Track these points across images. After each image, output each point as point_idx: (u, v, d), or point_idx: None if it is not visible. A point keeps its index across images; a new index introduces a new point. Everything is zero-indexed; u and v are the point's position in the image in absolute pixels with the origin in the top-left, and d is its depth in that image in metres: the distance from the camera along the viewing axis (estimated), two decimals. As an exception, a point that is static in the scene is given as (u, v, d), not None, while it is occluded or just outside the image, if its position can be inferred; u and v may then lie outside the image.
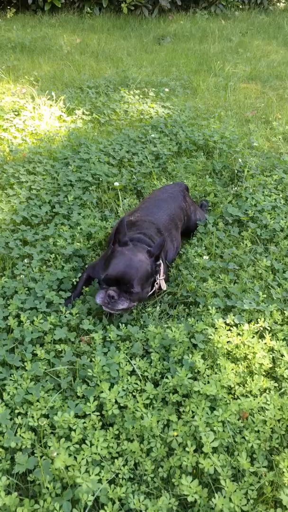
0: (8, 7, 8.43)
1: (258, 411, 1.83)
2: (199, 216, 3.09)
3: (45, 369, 1.94)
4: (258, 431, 1.76)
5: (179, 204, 2.91)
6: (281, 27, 9.11)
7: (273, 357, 2.10)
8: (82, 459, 1.58)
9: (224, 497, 1.53)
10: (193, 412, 1.77)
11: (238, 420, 1.77)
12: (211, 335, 2.06)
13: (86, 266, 2.64)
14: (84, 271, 2.55)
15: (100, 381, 1.85)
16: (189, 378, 1.85)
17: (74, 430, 1.67)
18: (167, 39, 7.91)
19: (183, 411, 1.79)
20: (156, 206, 2.82)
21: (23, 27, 7.72)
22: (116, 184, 3.38)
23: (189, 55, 7.14)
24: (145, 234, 2.49)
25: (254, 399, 1.83)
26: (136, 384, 1.88)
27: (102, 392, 1.79)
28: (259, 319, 2.23)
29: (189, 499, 1.52)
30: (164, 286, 2.43)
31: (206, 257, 2.72)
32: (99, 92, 5.20)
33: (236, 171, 3.71)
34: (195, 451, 1.69)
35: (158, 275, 2.37)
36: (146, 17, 8.80)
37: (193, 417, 1.75)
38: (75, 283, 2.50)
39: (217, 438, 1.68)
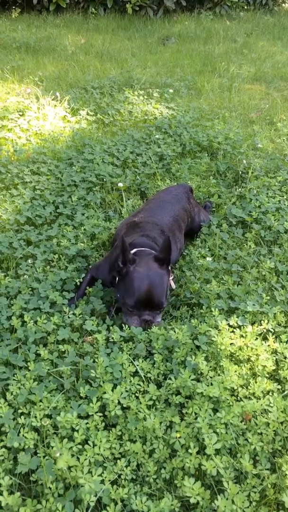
0: (13, 7, 8.45)
1: (261, 413, 1.83)
2: (203, 218, 3.09)
3: (48, 370, 1.94)
4: (261, 433, 1.76)
5: (183, 206, 2.91)
6: (286, 28, 9.10)
7: (276, 359, 2.10)
8: (85, 459, 1.58)
9: (227, 499, 1.53)
10: (196, 413, 1.77)
11: (241, 422, 1.77)
12: (214, 336, 2.06)
13: (90, 266, 2.64)
14: (88, 272, 2.55)
15: (103, 382, 1.85)
16: (192, 380, 1.85)
17: (77, 431, 1.67)
18: (172, 39, 7.91)
19: (186, 413, 1.79)
20: (160, 207, 2.82)
21: (28, 27, 7.74)
22: (120, 184, 3.38)
23: (193, 55, 7.14)
24: (148, 236, 2.48)
25: (257, 401, 1.82)
26: (139, 385, 1.89)
27: (105, 393, 1.80)
28: (262, 321, 2.23)
29: (192, 500, 1.51)
30: (173, 285, 2.45)
31: (209, 259, 2.72)
32: (104, 92, 5.21)
33: (240, 172, 3.70)
34: (197, 452, 1.69)
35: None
36: (150, 17, 8.80)
37: (196, 418, 1.75)
38: (78, 283, 2.51)
39: (220, 440, 1.68)
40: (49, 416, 1.78)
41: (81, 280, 2.51)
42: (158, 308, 2.18)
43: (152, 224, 2.61)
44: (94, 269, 2.54)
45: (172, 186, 3.24)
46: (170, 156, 3.87)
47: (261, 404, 1.81)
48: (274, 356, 2.09)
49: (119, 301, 2.28)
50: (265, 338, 2.20)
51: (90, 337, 2.16)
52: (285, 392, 1.93)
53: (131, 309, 2.16)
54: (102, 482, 1.57)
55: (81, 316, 2.25)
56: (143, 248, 2.36)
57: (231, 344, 2.07)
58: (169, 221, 2.74)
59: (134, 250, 2.33)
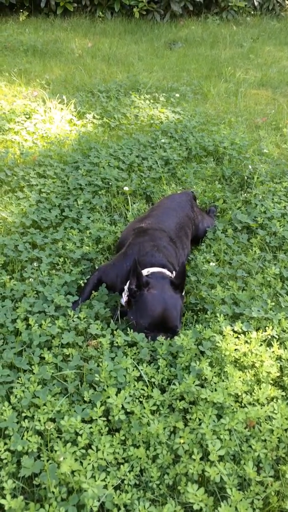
0: (21, 10, 8.50)
1: (265, 420, 1.82)
2: (207, 224, 3.10)
3: (53, 373, 1.94)
4: (265, 440, 1.76)
5: (187, 213, 2.93)
6: (292, 34, 9.11)
7: (280, 365, 2.09)
8: (88, 464, 1.58)
9: (230, 506, 1.53)
10: (199, 419, 1.76)
11: (245, 428, 1.77)
12: (218, 342, 2.06)
13: (96, 268, 2.64)
14: (93, 274, 2.55)
15: (107, 386, 1.85)
16: (196, 385, 1.84)
17: (81, 435, 1.67)
18: (178, 44, 7.94)
19: (190, 418, 1.79)
20: (166, 214, 2.83)
21: (35, 30, 7.78)
22: (126, 188, 3.39)
23: (200, 60, 7.16)
24: (159, 249, 2.46)
25: (261, 408, 1.82)
26: (143, 390, 1.88)
27: (109, 397, 1.80)
28: (267, 327, 2.22)
29: (195, 507, 1.51)
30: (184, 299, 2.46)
31: (213, 264, 2.72)
32: (110, 96, 5.22)
33: (245, 177, 3.71)
34: (201, 459, 1.68)
35: None
36: (157, 21, 8.83)
37: (199, 424, 1.75)
38: (82, 284, 2.51)
39: (223, 447, 1.68)
40: (53, 420, 1.78)
41: (85, 281, 2.52)
42: (172, 331, 2.18)
43: (160, 232, 2.61)
44: (102, 273, 2.53)
45: (175, 193, 3.25)
46: (176, 160, 3.88)
47: (265, 411, 1.81)
48: (279, 363, 2.09)
49: (132, 323, 2.25)
50: (269, 344, 2.19)
51: (95, 341, 2.16)
52: (289, 399, 1.93)
53: (146, 330, 2.15)
54: (105, 487, 1.57)
55: (85, 320, 2.25)
56: (156, 269, 2.32)
57: (235, 350, 2.07)
58: (176, 227, 2.75)
59: (147, 271, 2.30)
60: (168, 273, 2.34)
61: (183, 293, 2.32)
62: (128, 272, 2.38)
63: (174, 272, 2.40)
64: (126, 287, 2.31)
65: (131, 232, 2.64)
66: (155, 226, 2.66)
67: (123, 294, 2.35)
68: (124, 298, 2.33)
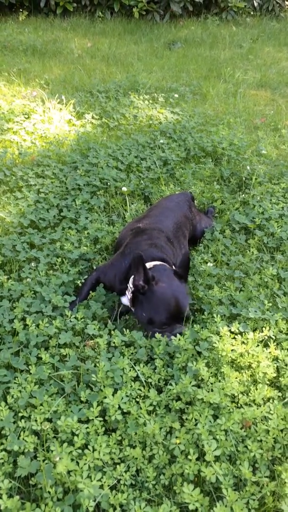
0: (21, 10, 8.50)
1: (261, 420, 1.83)
2: (205, 225, 3.10)
3: (50, 373, 1.95)
4: (260, 441, 1.76)
5: (185, 213, 2.94)
6: (292, 34, 9.12)
7: (277, 366, 2.10)
8: (84, 464, 1.59)
9: (226, 506, 1.53)
10: (196, 419, 1.77)
11: (241, 429, 1.77)
12: (215, 342, 2.06)
13: (94, 268, 2.64)
14: (91, 275, 2.55)
15: (104, 387, 1.86)
16: (192, 386, 1.85)
17: (77, 435, 1.67)
18: (178, 44, 7.94)
19: (186, 419, 1.79)
20: (164, 214, 2.83)
21: (35, 30, 7.78)
22: (124, 189, 3.39)
23: (199, 61, 7.17)
24: (157, 246, 2.47)
25: (257, 408, 1.82)
26: (140, 390, 1.89)
27: (105, 397, 1.80)
28: (264, 328, 2.23)
29: (190, 507, 1.51)
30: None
31: (211, 264, 2.72)
32: (109, 96, 5.23)
33: (244, 178, 3.71)
34: (197, 459, 1.69)
35: None
36: (157, 22, 8.84)
37: (196, 424, 1.75)
38: (80, 284, 2.51)
39: (219, 447, 1.68)
40: (49, 420, 1.78)
41: (83, 280, 2.52)
42: (187, 319, 2.19)
43: (158, 231, 2.62)
44: (101, 273, 2.53)
45: (173, 194, 3.25)
46: (175, 161, 3.88)
47: (261, 411, 1.81)
48: (275, 363, 2.09)
49: (140, 321, 2.25)
50: (266, 345, 2.20)
51: (92, 341, 2.17)
52: (286, 400, 1.93)
53: (164, 326, 2.15)
54: (101, 487, 1.58)
55: (83, 320, 2.25)
56: (157, 263, 2.33)
57: (232, 350, 2.07)
58: (174, 227, 2.75)
59: (149, 265, 2.30)
60: (168, 266, 2.35)
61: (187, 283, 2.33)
62: (127, 270, 2.39)
63: (173, 266, 2.41)
64: (130, 285, 2.30)
65: (129, 232, 2.65)
66: (153, 226, 2.67)
67: (126, 292, 2.35)
68: (128, 296, 2.33)
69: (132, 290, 2.26)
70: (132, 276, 2.26)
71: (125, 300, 2.41)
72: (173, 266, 2.43)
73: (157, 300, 2.16)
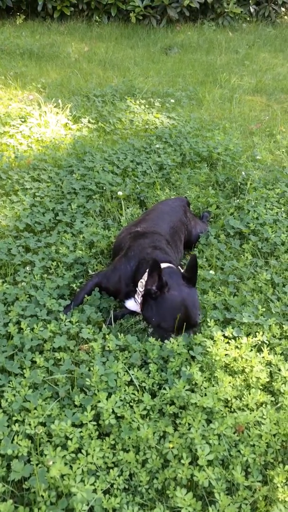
0: (18, 13, 8.52)
1: (254, 425, 1.84)
2: (200, 230, 3.12)
3: (44, 377, 1.95)
4: (253, 445, 1.77)
5: (180, 218, 2.95)
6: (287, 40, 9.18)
7: (270, 371, 2.11)
8: (78, 468, 1.59)
9: (218, 510, 1.54)
10: (189, 424, 1.78)
11: (234, 433, 1.78)
12: (209, 347, 2.07)
13: (93, 273, 2.63)
14: (90, 281, 2.52)
15: (98, 391, 1.86)
16: (186, 390, 1.86)
17: (71, 439, 1.68)
18: (174, 49, 7.98)
19: (180, 423, 1.80)
20: (160, 218, 2.85)
21: (32, 34, 7.80)
22: (120, 193, 3.41)
23: (195, 66, 7.20)
24: (160, 249, 2.48)
25: (250, 413, 1.84)
26: (134, 394, 1.90)
27: (99, 401, 1.81)
28: (257, 333, 2.24)
29: (183, 511, 1.52)
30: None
31: (212, 272, 2.73)
32: (105, 101, 5.25)
33: (239, 183, 3.73)
34: (190, 463, 1.70)
35: None
36: (154, 27, 8.88)
37: (189, 429, 1.76)
38: (75, 288, 2.52)
39: (212, 451, 1.69)
40: (43, 424, 1.79)
41: (78, 285, 2.53)
42: (195, 327, 2.20)
43: (158, 235, 2.63)
44: (102, 278, 2.51)
45: (169, 199, 3.27)
46: (170, 165, 3.90)
47: (254, 416, 1.82)
48: (268, 368, 2.11)
49: (150, 323, 2.26)
50: (259, 350, 2.21)
51: (86, 345, 2.17)
52: (279, 404, 1.94)
53: (172, 334, 2.16)
54: (95, 491, 1.58)
55: (77, 324, 2.26)
56: (165, 265, 2.32)
57: (226, 355, 2.08)
58: (170, 231, 2.77)
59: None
60: (174, 267, 2.35)
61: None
62: (133, 273, 2.40)
63: (178, 267, 2.42)
64: (139, 288, 2.31)
65: (127, 236, 2.65)
66: (151, 229, 2.68)
67: (135, 295, 2.36)
68: (137, 299, 2.33)
69: (142, 294, 2.27)
70: (143, 280, 2.27)
71: (130, 304, 2.41)
72: (179, 268, 2.45)
73: (168, 308, 2.17)
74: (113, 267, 2.53)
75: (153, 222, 2.80)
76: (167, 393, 1.87)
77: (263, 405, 1.93)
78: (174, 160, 3.99)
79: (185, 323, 2.14)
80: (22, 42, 7.15)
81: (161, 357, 2.09)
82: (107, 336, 2.18)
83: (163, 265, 2.32)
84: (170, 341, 2.09)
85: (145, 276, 2.30)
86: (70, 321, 2.26)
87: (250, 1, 9.81)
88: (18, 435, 1.70)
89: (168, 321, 2.15)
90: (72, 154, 3.90)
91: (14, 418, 1.77)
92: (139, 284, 2.33)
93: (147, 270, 2.27)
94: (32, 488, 1.58)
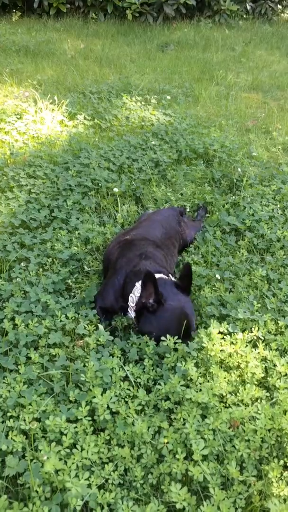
0: (14, 10, 8.49)
1: (249, 420, 1.84)
2: (194, 232, 3.10)
3: (39, 373, 1.95)
4: (248, 440, 1.77)
5: (174, 226, 2.91)
6: (284, 38, 9.18)
7: (265, 366, 2.11)
8: (73, 463, 1.59)
9: (213, 505, 1.54)
10: (184, 419, 1.78)
11: (229, 428, 1.78)
12: (204, 343, 2.07)
13: (95, 297, 2.47)
14: (96, 309, 2.39)
15: (93, 386, 1.86)
16: (181, 386, 1.86)
17: (65, 435, 1.67)
18: (171, 46, 7.96)
19: (175, 418, 1.80)
20: (151, 226, 2.81)
21: (28, 31, 7.77)
22: (115, 190, 3.40)
23: (192, 63, 7.19)
24: (147, 256, 2.42)
25: (245, 408, 1.84)
26: (129, 390, 1.89)
27: (94, 397, 1.80)
28: (253, 329, 2.24)
29: (178, 506, 1.52)
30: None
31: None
32: (101, 97, 5.24)
33: (235, 180, 3.73)
34: (185, 458, 1.70)
35: None
36: (150, 24, 8.86)
37: (184, 424, 1.76)
38: (70, 284, 2.52)
39: (207, 446, 1.69)
40: (38, 420, 1.78)
41: (73, 280, 2.53)
42: (191, 335, 2.17)
43: (145, 241, 2.59)
44: (100, 300, 2.42)
45: (162, 209, 3.24)
46: (166, 162, 3.90)
47: (249, 411, 1.83)
48: (264, 364, 2.11)
49: (150, 337, 2.15)
50: (255, 346, 2.21)
51: (81, 341, 2.17)
52: (273, 400, 1.95)
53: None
54: (89, 486, 1.58)
55: (73, 319, 2.25)
56: (158, 276, 2.24)
57: (221, 350, 2.08)
58: (162, 237, 2.73)
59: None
60: (166, 277, 2.30)
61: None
62: (122, 287, 2.34)
63: (170, 275, 2.37)
64: (131, 303, 2.26)
65: (116, 246, 2.60)
66: (139, 236, 2.64)
67: (129, 309, 2.30)
68: (131, 314, 2.28)
69: (135, 308, 2.23)
70: (133, 294, 2.24)
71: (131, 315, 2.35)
72: (170, 273, 2.42)
73: (170, 319, 2.14)
74: (105, 284, 2.46)
75: (144, 229, 2.76)
76: (162, 389, 1.87)
77: (258, 401, 1.93)
78: (170, 157, 3.98)
79: (185, 333, 2.13)
80: (18, 39, 7.12)
81: (156, 353, 2.08)
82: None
83: (158, 277, 2.23)
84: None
85: (135, 290, 2.26)
86: (66, 317, 2.25)
87: (246, -1, 9.81)
88: (12, 431, 1.70)
89: (172, 333, 2.08)
90: (68, 150, 3.88)
91: (8, 414, 1.76)
92: (130, 299, 2.27)
93: (136, 283, 2.25)
94: (27, 483, 1.58)
